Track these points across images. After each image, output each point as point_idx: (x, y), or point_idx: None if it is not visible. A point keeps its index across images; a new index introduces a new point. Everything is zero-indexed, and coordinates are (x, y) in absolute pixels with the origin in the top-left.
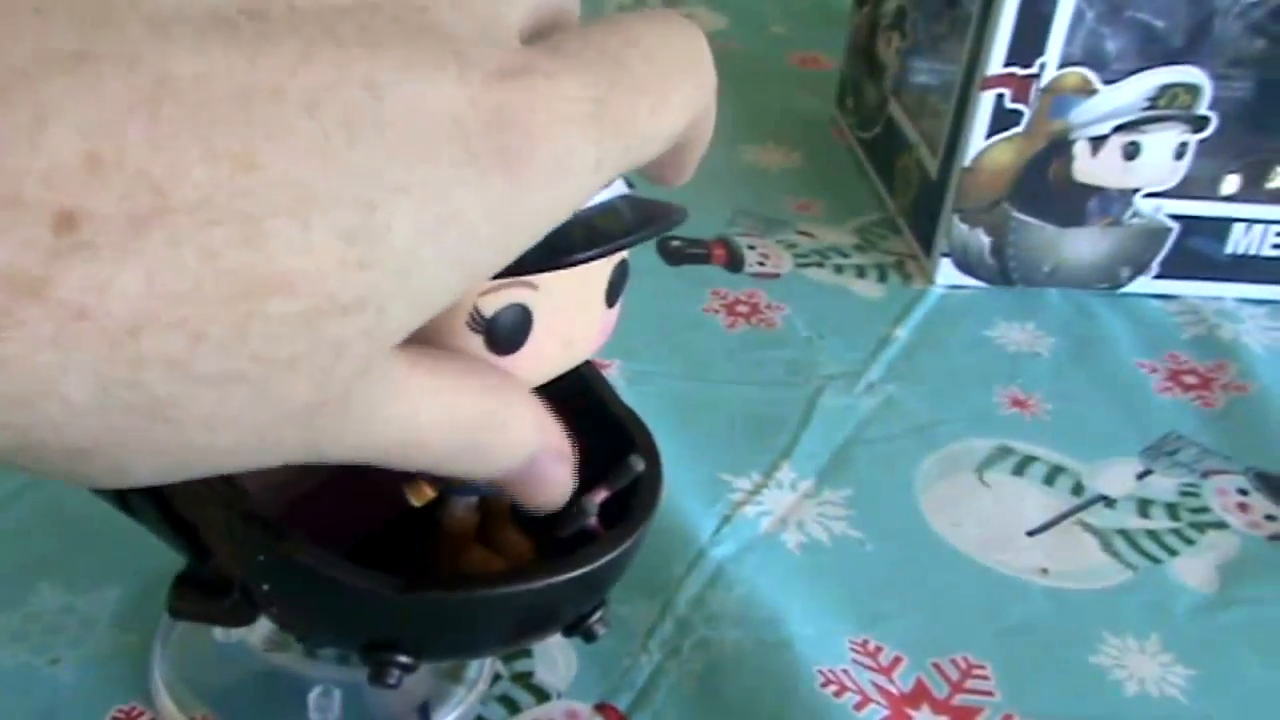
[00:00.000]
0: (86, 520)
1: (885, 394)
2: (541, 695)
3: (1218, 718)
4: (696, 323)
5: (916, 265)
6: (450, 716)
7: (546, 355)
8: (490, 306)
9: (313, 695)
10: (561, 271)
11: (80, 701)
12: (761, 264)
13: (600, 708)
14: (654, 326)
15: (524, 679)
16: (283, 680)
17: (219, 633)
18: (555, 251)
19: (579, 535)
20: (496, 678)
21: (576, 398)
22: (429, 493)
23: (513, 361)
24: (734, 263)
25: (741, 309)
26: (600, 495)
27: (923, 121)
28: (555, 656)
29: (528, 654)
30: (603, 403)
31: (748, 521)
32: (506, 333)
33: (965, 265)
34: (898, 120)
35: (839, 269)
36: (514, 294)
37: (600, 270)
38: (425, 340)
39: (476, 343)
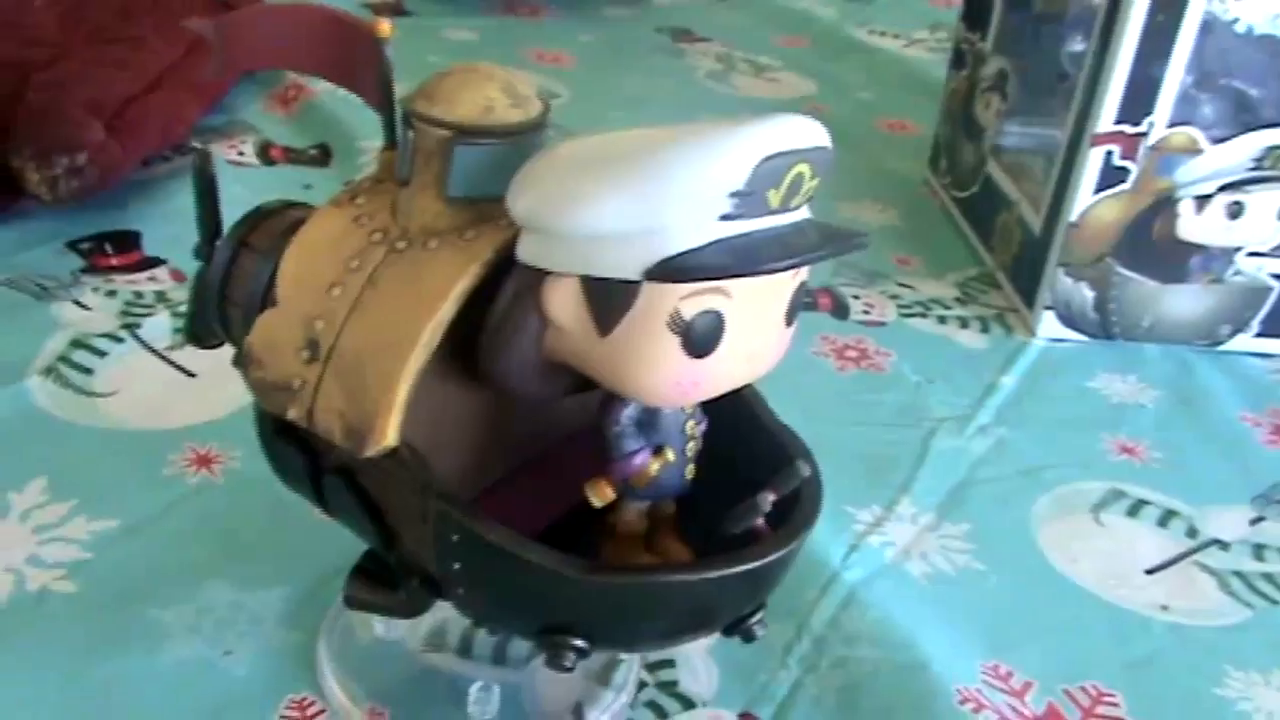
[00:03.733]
0: (248, 526)
1: (996, 437)
2: (687, 703)
3: None
4: (807, 365)
5: (1017, 318)
6: (604, 716)
7: (734, 363)
8: (690, 310)
9: (473, 690)
10: (754, 283)
11: (255, 690)
12: (866, 313)
13: (744, 717)
14: None
15: (669, 687)
16: (440, 679)
17: (380, 632)
18: (752, 261)
19: (739, 540)
20: (642, 685)
21: (737, 412)
22: (609, 493)
23: (705, 365)
24: (840, 310)
25: (850, 354)
26: (770, 496)
27: (1023, 180)
28: (697, 667)
29: (671, 664)
30: (760, 417)
31: (873, 551)
32: (702, 336)
33: (1067, 319)
34: (997, 179)
35: (942, 319)
36: (711, 300)
37: (785, 287)
38: (627, 334)
39: (675, 343)
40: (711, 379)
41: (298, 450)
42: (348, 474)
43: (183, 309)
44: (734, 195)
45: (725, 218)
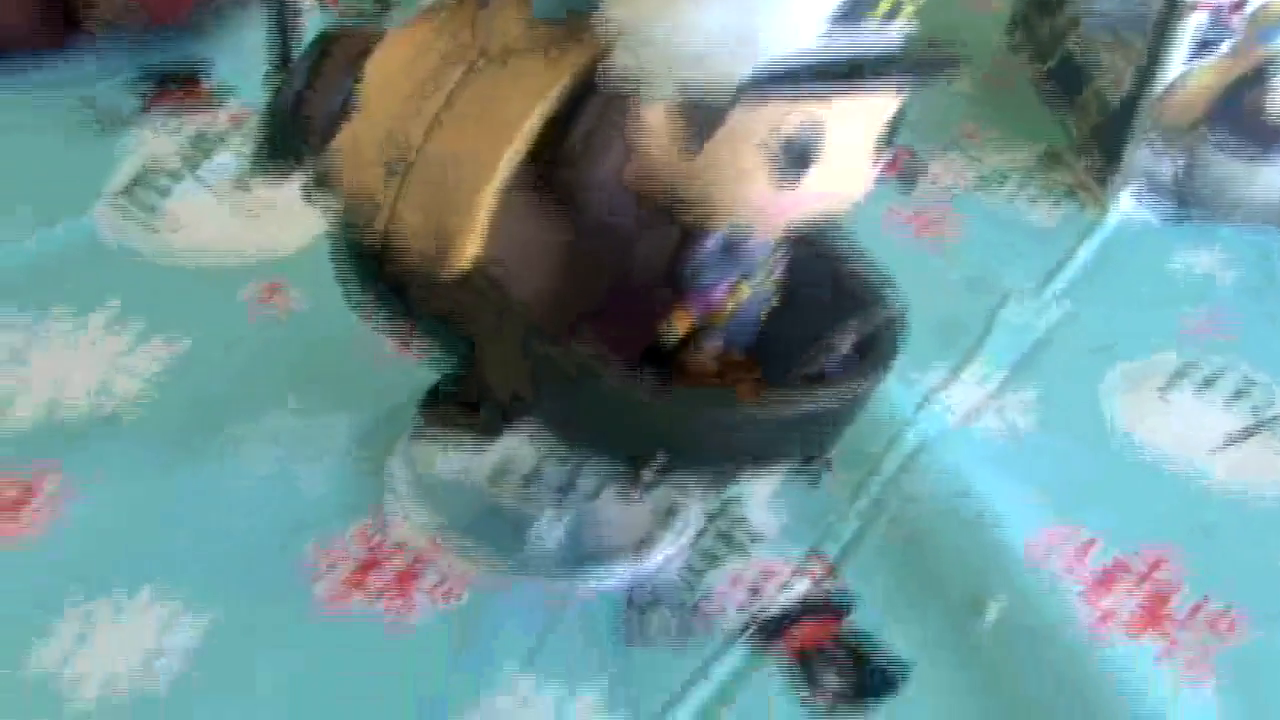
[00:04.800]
0: (316, 358)
1: (1066, 310)
2: (750, 543)
3: None
4: (875, 232)
5: (1093, 193)
6: (667, 552)
7: (824, 190)
8: (784, 129)
9: (538, 522)
10: (850, 104)
11: (325, 511)
12: (936, 182)
13: (807, 558)
14: None
15: (733, 527)
16: (505, 512)
17: (446, 465)
18: (852, 76)
19: (815, 377)
20: (705, 526)
21: (819, 250)
22: (687, 326)
23: (795, 190)
24: (910, 179)
25: (920, 222)
26: (850, 335)
27: (1106, 52)
28: (761, 509)
29: (735, 505)
30: (843, 256)
31: (939, 411)
32: (794, 157)
33: (1146, 194)
34: (1079, 50)
35: (1015, 192)
36: (806, 120)
37: (881, 111)
38: (717, 154)
39: (766, 165)
40: (801, 204)
41: (374, 272)
42: (425, 295)
43: (247, 148)
44: (837, 7)
45: (827, 31)
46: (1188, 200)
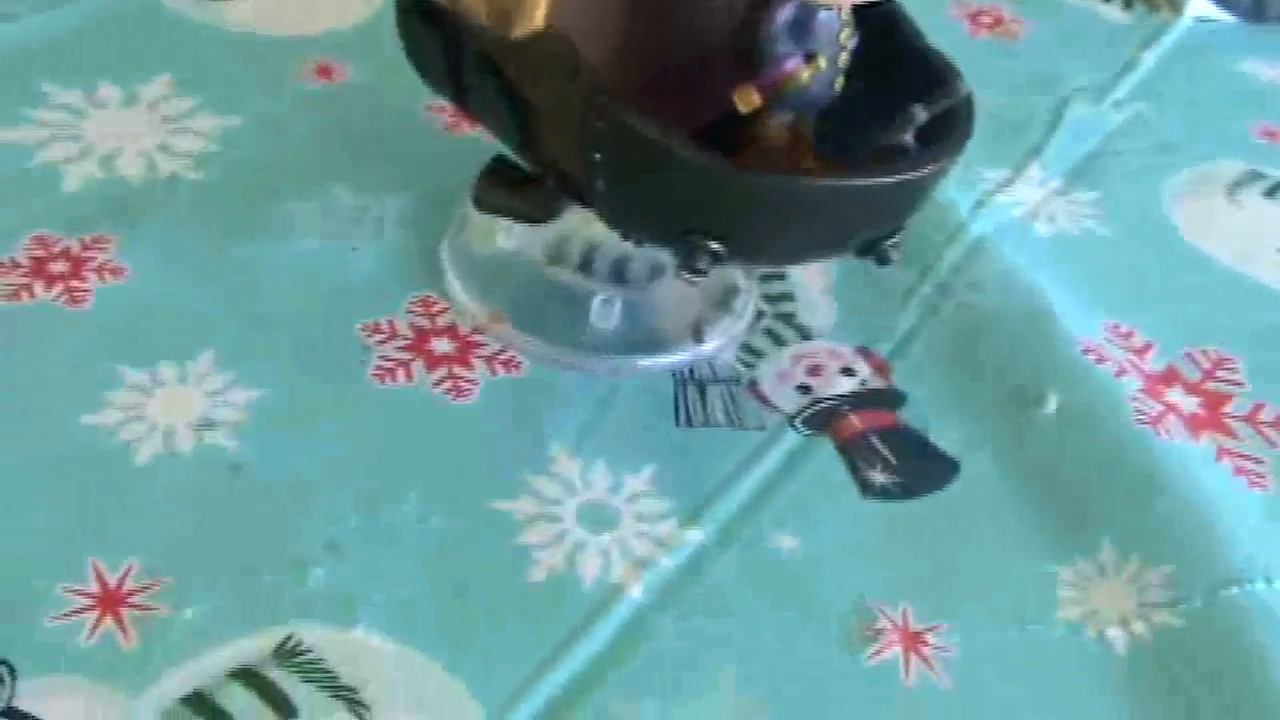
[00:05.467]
0: (371, 135)
1: (1133, 111)
2: (804, 334)
3: None
4: (938, 29)
5: None
6: (722, 338)
7: None
8: None
9: (596, 302)
10: None
11: (381, 285)
12: None
13: (861, 351)
14: None
15: (787, 319)
16: (560, 290)
17: (502, 242)
18: None
19: (880, 156)
20: (760, 315)
21: (889, 29)
22: (756, 100)
23: None
24: None
25: (985, 20)
26: (932, 107)
27: None
28: (815, 302)
29: (790, 298)
30: (913, 37)
31: (1001, 207)
32: None
33: None
34: None
35: None
36: None
37: None
38: None
39: None
40: None
41: (439, 36)
42: (490, 61)
43: None
44: None
45: None
46: (1264, 3)
